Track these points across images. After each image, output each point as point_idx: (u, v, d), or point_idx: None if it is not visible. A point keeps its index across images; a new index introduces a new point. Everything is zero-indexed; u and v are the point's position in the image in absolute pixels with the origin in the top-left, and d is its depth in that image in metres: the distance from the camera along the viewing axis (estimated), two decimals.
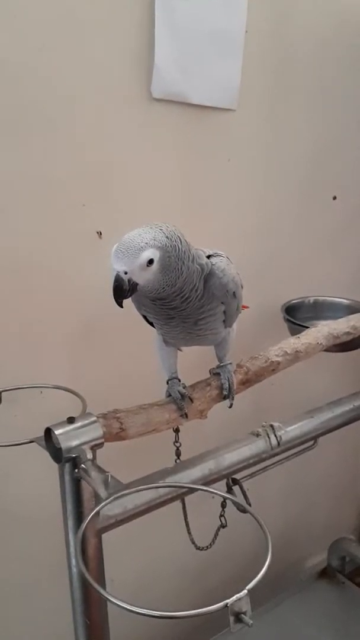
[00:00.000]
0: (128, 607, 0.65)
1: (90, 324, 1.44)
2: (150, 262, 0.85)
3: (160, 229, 0.88)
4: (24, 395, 1.21)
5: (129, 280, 0.85)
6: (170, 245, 0.87)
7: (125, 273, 0.85)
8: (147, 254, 0.85)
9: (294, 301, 1.76)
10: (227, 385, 1.10)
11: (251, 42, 1.48)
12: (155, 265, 0.86)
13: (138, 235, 0.86)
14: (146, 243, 0.85)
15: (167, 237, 0.87)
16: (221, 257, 0.99)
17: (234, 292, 1.00)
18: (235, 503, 0.93)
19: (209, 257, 0.98)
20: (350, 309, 1.71)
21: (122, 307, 0.88)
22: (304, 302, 1.79)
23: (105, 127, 1.32)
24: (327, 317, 1.67)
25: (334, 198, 1.87)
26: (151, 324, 1.07)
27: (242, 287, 1.05)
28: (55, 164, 1.28)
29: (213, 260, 0.98)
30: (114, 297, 0.87)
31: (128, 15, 1.28)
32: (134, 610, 0.65)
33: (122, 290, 0.86)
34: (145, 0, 1.29)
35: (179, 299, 0.93)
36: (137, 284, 0.87)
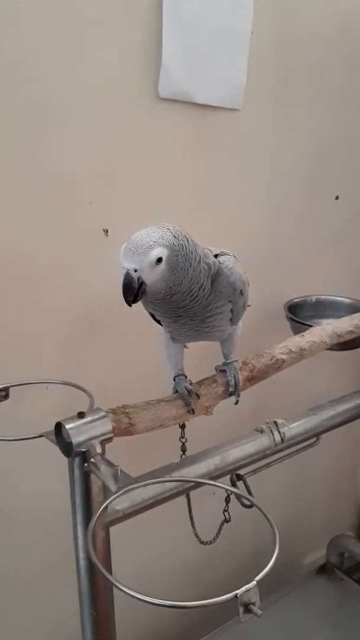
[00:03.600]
0: (140, 597, 0.67)
1: (96, 321, 1.45)
2: (159, 260, 0.86)
3: (168, 229, 0.89)
4: (30, 391, 1.22)
5: (138, 279, 0.86)
6: (178, 245, 0.88)
7: (135, 271, 0.86)
8: (156, 252, 0.86)
9: (296, 300, 1.78)
10: (234, 382, 1.11)
11: (257, 43, 1.49)
12: (163, 264, 0.87)
13: (146, 234, 0.87)
14: (155, 242, 0.86)
15: (174, 237, 0.89)
16: (228, 256, 1.01)
17: (241, 290, 1.01)
18: (241, 498, 0.94)
19: (216, 256, 1.00)
20: (352, 308, 1.72)
21: (131, 306, 0.89)
22: (306, 300, 1.81)
23: (112, 125, 1.33)
24: (329, 316, 1.69)
25: (337, 198, 1.88)
26: (158, 321, 1.09)
27: (248, 285, 1.06)
28: (62, 162, 1.29)
29: (221, 259, 0.99)
30: (124, 296, 0.87)
31: (136, 15, 1.29)
32: (146, 599, 0.66)
33: (131, 288, 0.86)
34: (153, 0, 1.30)
35: (189, 298, 0.94)
36: (145, 284, 0.87)
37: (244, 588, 0.68)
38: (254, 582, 0.68)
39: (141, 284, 0.87)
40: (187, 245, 0.90)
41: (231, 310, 1.03)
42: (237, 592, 0.68)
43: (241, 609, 0.68)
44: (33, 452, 1.16)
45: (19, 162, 1.24)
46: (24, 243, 1.29)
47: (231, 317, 1.05)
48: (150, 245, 0.86)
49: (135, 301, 0.88)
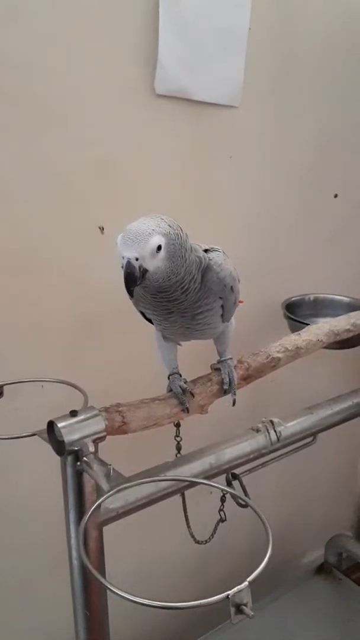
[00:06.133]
0: (130, 597, 0.66)
1: (91, 319, 1.44)
2: (159, 248, 0.85)
3: (162, 219, 0.88)
4: (25, 389, 1.22)
5: (140, 267, 0.84)
6: (174, 234, 0.88)
7: (137, 260, 0.84)
8: (156, 239, 0.84)
9: (294, 298, 1.77)
10: (228, 380, 1.10)
11: (254, 39, 1.48)
12: (162, 252, 0.86)
13: (143, 223, 0.86)
14: (153, 229, 0.85)
15: (169, 226, 0.88)
16: (218, 252, 0.99)
17: (231, 287, 1.00)
18: (236, 497, 0.94)
19: (205, 251, 0.98)
20: (351, 307, 1.71)
21: (132, 296, 0.87)
22: (304, 299, 1.80)
23: (108, 122, 1.33)
24: (327, 315, 1.68)
25: (335, 196, 1.87)
26: (149, 320, 1.07)
27: (239, 281, 1.05)
28: (58, 159, 1.28)
29: (210, 255, 0.98)
30: (126, 286, 0.85)
31: (132, 12, 1.29)
32: (136, 600, 0.66)
33: (134, 277, 0.84)
34: None
35: (180, 289, 0.92)
36: (147, 271, 0.85)
37: (235, 589, 0.67)
38: (246, 583, 0.68)
39: (144, 272, 0.85)
40: (181, 235, 0.90)
41: (222, 307, 1.02)
42: (228, 592, 0.67)
43: (233, 610, 0.68)
44: (29, 451, 1.15)
45: (13, 159, 1.23)
46: (20, 241, 1.29)
47: (222, 314, 1.03)
48: (150, 233, 0.84)
49: (137, 285, 0.86)
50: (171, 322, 1.00)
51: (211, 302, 0.98)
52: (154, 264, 0.86)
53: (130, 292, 0.86)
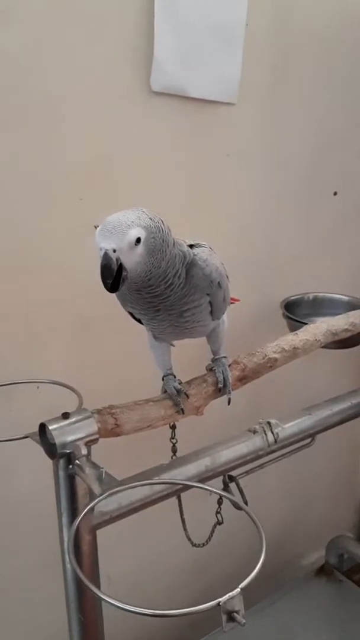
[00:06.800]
0: (119, 605, 0.64)
1: (86, 320, 1.43)
2: (138, 241, 0.82)
3: (143, 211, 0.86)
4: (21, 390, 1.21)
5: (117, 260, 0.81)
6: (155, 227, 0.85)
7: (114, 251, 0.81)
8: (135, 232, 0.82)
9: (293, 297, 1.76)
10: (222, 378, 1.09)
11: (252, 36, 1.46)
12: (141, 246, 0.83)
13: (122, 215, 0.83)
14: (132, 221, 0.83)
15: (150, 219, 0.85)
16: (203, 248, 0.97)
17: (218, 282, 0.97)
18: (230, 500, 0.92)
19: (190, 246, 0.96)
20: (350, 306, 1.70)
21: (111, 291, 0.84)
22: (303, 298, 1.79)
23: (103, 120, 1.32)
24: (327, 314, 1.66)
25: (335, 194, 1.86)
26: (138, 321, 1.06)
27: (227, 277, 1.02)
28: (53, 158, 1.27)
29: (195, 250, 0.95)
30: (102, 279, 0.82)
31: (128, 8, 1.27)
32: (125, 608, 0.64)
33: (110, 269, 0.81)
34: None
35: (163, 284, 0.90)
36: (124, 266, 0.82)
37: (227, 596, 0.66)
38: (238, 590, 0.66)
39: (120, 265, 0.82)
40: (162, 228, 0.87)
41: (210, 304, 1.00)
42: (219, 600, 0.65)
43: (224, 617, 0.66)
44: (24, 453, 1.14)
45: (8, 157, 1.22)
46: (14, 240, 1.28)
47: (211, 311, 1.01)
48: (129, 225, 0.82)
49: (115, 286, 0.83)
50: (159, 321, 0.98)
51: (198, 298, 0.96)
52: (132, 258, 0.83)
53: (107, 286, 0.83)
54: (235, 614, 0.66)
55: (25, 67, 1.18)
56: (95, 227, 1.37)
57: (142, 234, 0.83)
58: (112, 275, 0.82)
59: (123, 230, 0.81)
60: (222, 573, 1.95)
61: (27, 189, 1.26)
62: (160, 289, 0.91)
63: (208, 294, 0.97)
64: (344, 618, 1.91)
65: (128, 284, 0.87)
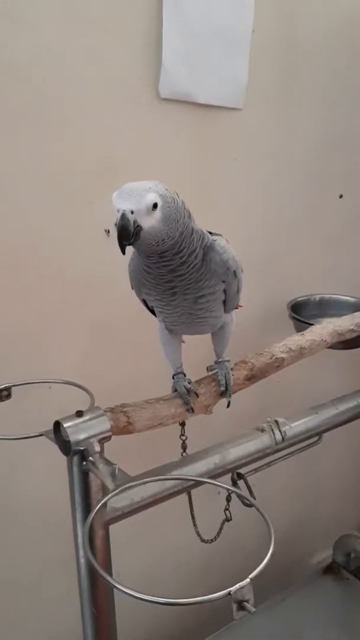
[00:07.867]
0: (134, 594, 0.67)
1: (97, 321, 1.46)
2: (155, 206, 0.85)
3: (159, 182, 0.89)
4: (34, 390, 1.23)
5: (134, 222, 0.82)
6: (170, 197, 0.88)
7: (132, 213, 0.82)
8: (152, 196, 0.84)
9: (299, 299, 1.78)
10: (224, 382, 1.10)
11: (258, 41, 1.49)
12: (158, 212, 0.85)
13: (139, 183, 0.86)
14: (150, 187, 0.85)
15: (165, 189, 0.88)
16: (221, 237, 1.00)
17: (234, 271, 0.99)
18: (240, 496, 0.95)
19: (210, 233, 0.99)
20: (356, 307, 1.71)
21: (124, 253, 0.85)
22: (309, 299, 1.80)
23: (112, 126, 1.34)
24: (333, 315, 1.67)
25: (341, 196, 1.87)
26: (152, 312, 1.08)
27: (242, 270, 1.04)
28: (63, 162, 1.30)
29: (213, 237, 0.98)
30: (119, 240, 0.83)
31: (136, 15, 1.30)
32: (139, 597, 0.67)
33: (128, 230, 0.82)
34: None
35: (178, 258, 0.91)
36: (141, 229, 0.84)
37: (237, 585, 0.68)
38: (248, 580, 0.69)
39: (137, 227, 0.83)
40: (177, 200, 0.90)
41: (224, 292, 1.01)
42: (230, 589, 0.68)
43: (235, 606, 0.69)
44: (37, 451, 1.16)
45: (19, 162, 1.25)
46: (26, 243, 1.30)
47: (224, 300, 1.03)
48: (147, 190, 0.84)
49: (131, 241, 0.84)
50: (174, 307, 0.99)
51: (213, 284, 0.98)
52: (149, 222, 0.85)
53: (122, 247, 0.84)
54: (245, 603, 0.68)
55: (36, 74, 1.21)
56: (106, 231, 1.41)
57: (158, 200, 0.85)
58: (129, 237, 0.83)
59: (141, 193, 0.83)
60: (231, 570, 1.96)
61: (36, 193, 1.29)
62: (175, 263, 0.92)
63: (224, 282, 0.99)
64: (351, 616, 1.92)
65: (140, 251, 0.89)
